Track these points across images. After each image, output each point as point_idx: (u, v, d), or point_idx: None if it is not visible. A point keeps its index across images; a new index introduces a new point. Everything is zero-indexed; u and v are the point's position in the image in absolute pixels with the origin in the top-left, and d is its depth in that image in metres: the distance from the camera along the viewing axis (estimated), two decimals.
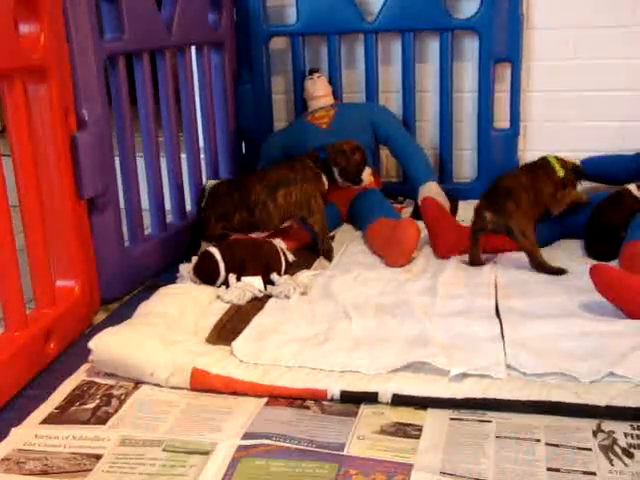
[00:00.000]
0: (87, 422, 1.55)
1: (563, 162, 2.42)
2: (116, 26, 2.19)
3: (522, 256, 2.28)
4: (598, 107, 2.93)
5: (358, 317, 1.91)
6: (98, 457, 1.42)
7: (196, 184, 2.72)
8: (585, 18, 2.85)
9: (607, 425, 1.46)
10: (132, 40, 2.23)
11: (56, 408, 1.61)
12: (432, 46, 2.99)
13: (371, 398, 1.58)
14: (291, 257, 2.30)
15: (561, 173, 2.37)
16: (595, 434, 1.44)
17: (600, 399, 1.50)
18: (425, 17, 2.87)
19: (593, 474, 1.32)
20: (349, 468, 1.35)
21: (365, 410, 1.56)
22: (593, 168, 2.72)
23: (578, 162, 2.56)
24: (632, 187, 2.35)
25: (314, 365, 1.68)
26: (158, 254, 2.43)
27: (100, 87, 2.07)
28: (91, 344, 1.73)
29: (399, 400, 1.56)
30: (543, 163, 2.40)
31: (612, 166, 2.75)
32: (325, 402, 1.59)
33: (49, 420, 1.56)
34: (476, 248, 2.27)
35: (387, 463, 1.37)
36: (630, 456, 1.36)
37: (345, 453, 1.40)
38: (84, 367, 1.77)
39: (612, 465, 1.34)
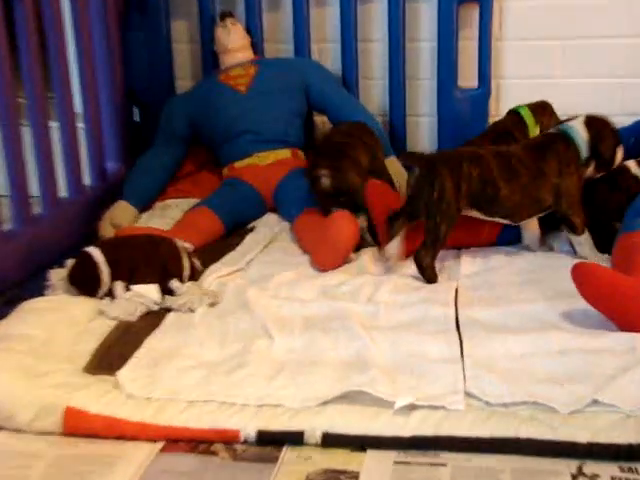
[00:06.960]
0: None
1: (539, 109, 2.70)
2: None
3: (489, 252, 2.34)
4: (589, 60, 3.00)
5: (281, 334, 1.93)
6: None
7: (72, 163, 2.69)
8: None
9: (590, 467, 1.50)
10: None
11: None
12: None
13: (296, 439, 1.60)
14: (197, 263, 2.29)
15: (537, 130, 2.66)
16: (575, 478, 1.48)
17: (582, 434, 1.54)
18: None
19: None
20: None
21: (288, 454, 1.58)
22: None
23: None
24: (631, 164, 2.38)
25: (224, 398, 1.69)
26: (21, 256, 2.39)
27: None
28: None
29: (331, 440, 1.59)
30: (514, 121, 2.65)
31: None
32: (237, 445, 1.61)
33: None
34: None
35: None
36: None
37: None
38: None
39: None
